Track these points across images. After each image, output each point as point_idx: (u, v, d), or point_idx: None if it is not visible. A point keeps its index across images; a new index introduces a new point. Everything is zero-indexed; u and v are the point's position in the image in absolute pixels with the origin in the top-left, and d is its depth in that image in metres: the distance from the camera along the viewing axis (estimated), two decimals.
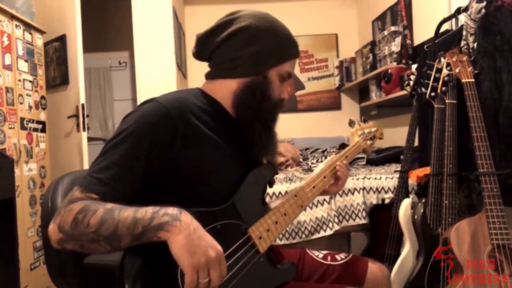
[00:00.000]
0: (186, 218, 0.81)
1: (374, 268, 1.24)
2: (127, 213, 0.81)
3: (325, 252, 1.29)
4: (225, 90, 1.05)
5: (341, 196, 2.29)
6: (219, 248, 0.82)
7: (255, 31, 1.03)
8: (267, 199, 1.15)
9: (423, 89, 1.89)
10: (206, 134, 0.97)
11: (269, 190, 2.28)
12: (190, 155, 0.93)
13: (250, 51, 1.02)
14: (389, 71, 3.18)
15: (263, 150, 1.07)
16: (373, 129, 1.49)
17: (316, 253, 1.28)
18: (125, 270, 0.95)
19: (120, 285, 0.96)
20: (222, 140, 1.00)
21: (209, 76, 1.10)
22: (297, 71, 4.57)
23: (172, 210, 0.82)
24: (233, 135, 1.04)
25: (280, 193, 2.29)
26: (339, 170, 1.24)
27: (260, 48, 1.03)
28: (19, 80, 2.46)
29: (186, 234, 0.79)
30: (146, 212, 0.82)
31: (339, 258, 1.25)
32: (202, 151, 0.95)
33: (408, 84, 2.32)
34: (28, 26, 2.59)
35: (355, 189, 2.30)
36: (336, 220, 2.27)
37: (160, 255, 0.83)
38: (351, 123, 1.45)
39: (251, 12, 1.06)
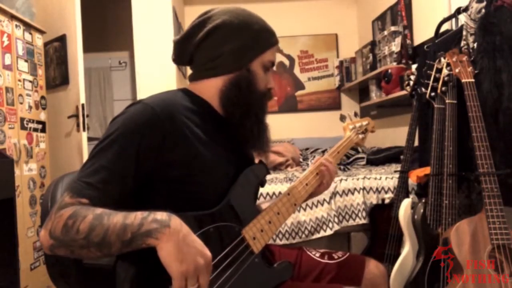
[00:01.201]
0: (175, 224, 0.80)
1: (371, 266, 1.23)
2: (116, 219, 0.81)
3: (322, 250, 1.28)
4: (211, 90, 1.05)
5: (341, 196, 2.29)
6: (208, 254, 0.82)
7: (230, 26, 1.03)
8: (261, 199, 1.14)
9: (423, 89, 1.89)
10: (195, 135, 0.96)
11: (268, 190, 2.28)
12: (180, 156, 0.93)
13: (229, 47, 1.03)
14: (389, 71, 3.18)
15: (257, 144, 1.07)
16: (364, 123, 1.47)
17: (313, 251, 1.27)
18: (117, 278, 0.94)
19: None
20: (212, 140, 0.99)
21: (193, 78, 1.09)
22: (297, 71, 4.58)
23: (161, 216, 0.81)
24: (223, 135, 1.03)
25: (280, 193, 2.29)
26: (322, 166, 1.20)
27: (238, 43, 1.03)
28: (19, 80, 2.46)
29: (175, 242, 0.78)
30: (135, 217, 0.81)
31: (336, 257, 1.25)
32: (192, 152, 0.94)
33: (408, 84, 2.32)
34: (28, 26, 2.59)
35: (355, 189, 2.30)
36: (336, 220, 2.26)
37: (152, 262, 0.82)
38: (342, 118, 1.44)
39: (223, 9, 1.07)
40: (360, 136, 1.43)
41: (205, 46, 1.04)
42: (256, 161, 1.13)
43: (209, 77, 1.05)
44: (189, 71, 1.12)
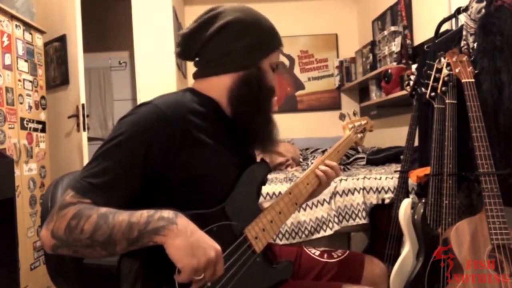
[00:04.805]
0: (182, 221, 0.81)
1: (371, 264, 1.24)
2: (122, 217, 0.80)
3: (321, 249, 1.28)
4: (219, 88, 1.03)
5: (341, 196, 2.29)
6: (218, 247, 0.82)
7: (243, 24, 1.02)
8: (261, 198, 1.14)
9: (423, 89, 1.89)
10: (203, 137, 0.96)
11: (268, 190, 2.28)
12: (187, 159, 0.92)
13: (242, 44, 1.01)
14: (389, 71, 3.18)
15: (266, 142, 1.07)
16: (363, 122, 1.47)
17: (313, 250, 1.27)
18: (122, 274, 0.94)
19: None
20: (218, 143, 0.99)
21: (199, 75, 1.07)
22: (297, 71, 4.57)
23: (167, 214, 0.81)
24: (229, 136, 1.03)
25: (280, 193, 2.29)
26: (318, 171, 1.18)
27: (251, 40, 1.02)
28: (19, 80, 2.46)
29: (184, 237, 0.79)
30: (141, 215, 0.81)
31: (335, 255, 1.24)
32: (199, 154, 0.94)
33: (408, 84, 2.32)
34: (28, 26, 2.59)
35: (355, 189, 2.30)
36: (336, 220, 2.26)
37: (157, 258, 0.82)
38: (342, 117, 1.44)
39: (233, 6, 1.05)
40: (359, 135, 1.43)
41: (215, 42, 1.02)
42: (258, 159, 1.13)
43: (218, 74, 1.03)
44: (189, 71, 1.11)
